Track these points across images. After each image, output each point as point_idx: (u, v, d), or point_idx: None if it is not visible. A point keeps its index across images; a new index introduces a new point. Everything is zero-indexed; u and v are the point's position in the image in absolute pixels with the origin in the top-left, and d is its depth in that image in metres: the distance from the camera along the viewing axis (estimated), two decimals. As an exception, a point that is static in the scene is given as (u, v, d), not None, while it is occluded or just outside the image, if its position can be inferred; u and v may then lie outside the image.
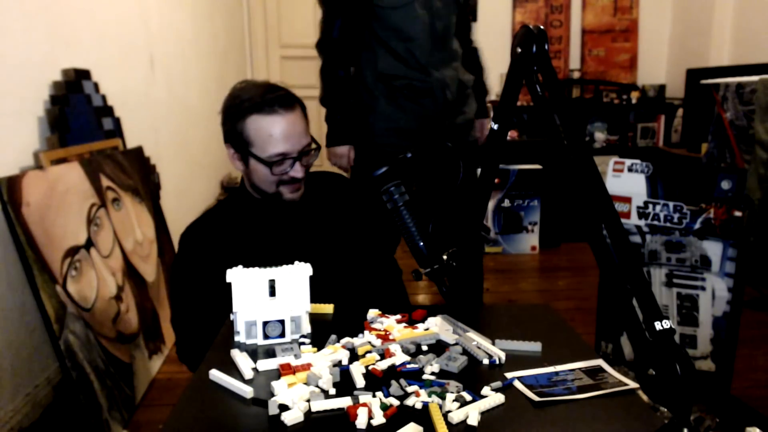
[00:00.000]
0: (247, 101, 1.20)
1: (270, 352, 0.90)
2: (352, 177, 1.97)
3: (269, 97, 1.19)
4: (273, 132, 1.19)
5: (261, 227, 1.30)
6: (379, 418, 0.72)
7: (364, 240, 1.40)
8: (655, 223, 1.83)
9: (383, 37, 1.84)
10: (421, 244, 1.00)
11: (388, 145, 1.89)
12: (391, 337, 0.95)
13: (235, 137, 1.23)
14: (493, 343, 0.92)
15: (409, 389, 0.79)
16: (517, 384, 0.81)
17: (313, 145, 1.26)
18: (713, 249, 1.78)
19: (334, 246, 1.33)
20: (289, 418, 0.72)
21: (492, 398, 0.76)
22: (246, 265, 0.97)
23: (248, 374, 0.83)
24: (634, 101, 4.51)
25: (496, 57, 2.46)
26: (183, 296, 1.28)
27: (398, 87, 1.86)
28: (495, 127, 0.97)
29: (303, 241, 1.31)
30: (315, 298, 1.08)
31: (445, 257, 1.02)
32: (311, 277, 0.99)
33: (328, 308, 1.08)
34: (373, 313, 1.05)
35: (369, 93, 1.89)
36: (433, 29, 1.82)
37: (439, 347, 0.93)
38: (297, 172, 1.23)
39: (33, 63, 1.88)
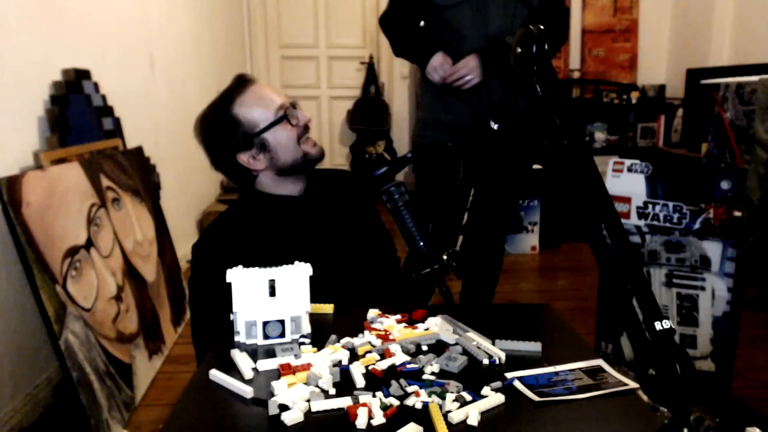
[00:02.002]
0: (221, 99, 1.26)
1: (270, 352, 0.90)
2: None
3: (235, 81, 1.27)
4: (263, 96, 1.24)
5: (273, 230, 1.29)
6: (379, 418, 0.72)
7: (375, 237, 1.40)
8: (655, 223, 1.83)
9: (438, 34, 1.88)
10: (421, 244, 1.00)
11: (424, 137, 1.99)
12: (391, 337, 0.95)
13: (241, 139, 1.23)
14: (493, 343, 0.92)
15: (409, 389, 0.79)
16: (517, 384, 0.81)
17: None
18: (713, 249, 1.78)
19: (346, 244, 1.33)
20: (289, 418, 0.72)
21: (492, 398, 0.76)
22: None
23: (248, 374, 0.83)
24: (634, 101, 4.51)
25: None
26: (201, 311, 1.27)
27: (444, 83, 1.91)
28: (495, 127, 0.97)
29: (316, 240, 1.31)
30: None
31: (445, 257, 1.01)
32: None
33: (328, 308, 1.08)
34: (373, 313, 1.05)
35: (421, 87, 2.04)
36: (485, 30, 1.82)
37: (439, 347, 0.93)
38: (304, 116, 1.28)
39: (33, 63, 1.88)
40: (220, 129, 1.25)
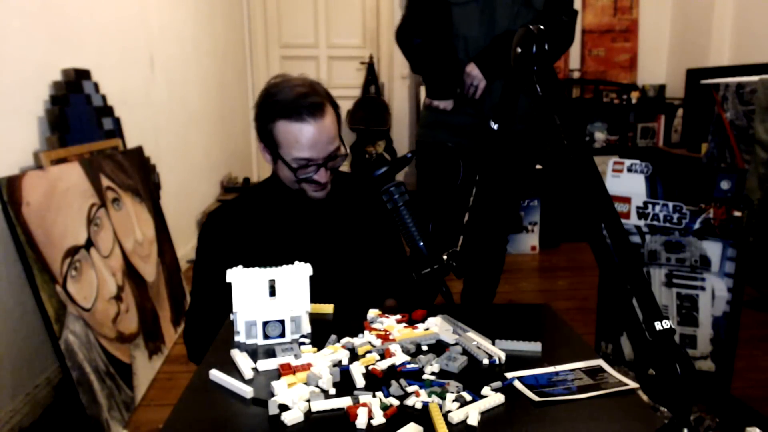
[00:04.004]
0: (278, 104, 1.19)
1: (270, 352, 0.90)
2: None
3: (299, 104, 1.18)
4: (299, 139, 1.19)
5: (287, 218, 1.32)
6: (379, 418, 0.72)
7: (387, 243, 1.40)
8: (655, 223, 1.83)
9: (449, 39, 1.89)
10: (421, 244, 1.00)
11: (428, 136, 1.99)
12: (391, 337, 0.95)
13: (265, 135, 1.24)
14: (493, 343, 0.92)
15: (409, 389, 0.79)
16: (517, 384, 0.81)
17: (342, 150, 1.26)
18: (713, 249, 1.78)
19: (355, 246, 1.34)
20: (289, 418, 0.72)
21: (492, 398, 0.76)
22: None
23: (248, 374, 0.83)
24: (634, 101, 4.51)
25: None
26: (199, 279, 1.31)
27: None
28: (495, 127, 0.97)
29: (326, 237, 1.32)
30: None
31: (445, 257, 1.01)
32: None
33: (328, 308, 1.09)
34: (373, 313, 1.05)
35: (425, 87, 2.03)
36: (492, 31, 1.82)
37: (439, 347, 0.93)
38: (320, 177, 1.23)
39: (33, 63, 1.88)
40: (258, 112, 1.24)
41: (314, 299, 1.05)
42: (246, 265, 0.97)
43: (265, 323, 0.94)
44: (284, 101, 1.19)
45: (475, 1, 1.81)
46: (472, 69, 1.83)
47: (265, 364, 0.85)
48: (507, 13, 1.81)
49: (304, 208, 1.31)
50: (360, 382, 0.81)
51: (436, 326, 0.99)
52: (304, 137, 1.19)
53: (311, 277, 0.99)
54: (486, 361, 0.87)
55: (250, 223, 1.30)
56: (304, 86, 1.20)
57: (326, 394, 0.78)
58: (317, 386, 0.79)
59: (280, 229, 1.30)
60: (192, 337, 1.30)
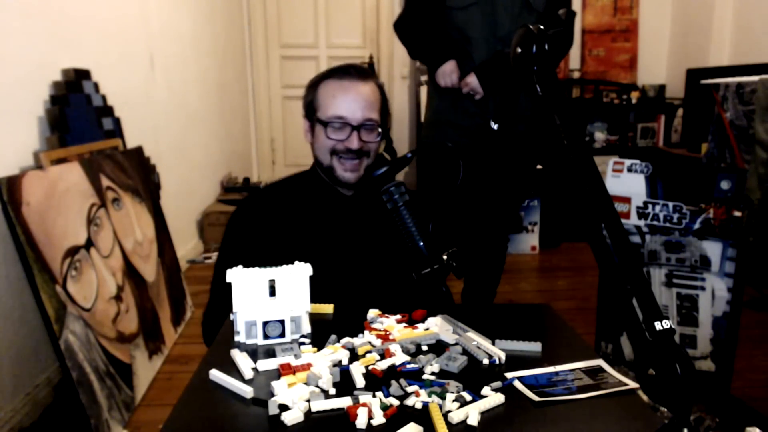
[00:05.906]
0: (329, 70, 1.25)
1: (270, 352, 0.90)
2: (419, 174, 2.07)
3: (347, 65, 1.24)
4: (337, 93, 1.22)
5: (317, 211, 1.30)
6: (379, 418, 0.72)
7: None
8: (655, 223, 1.83)
9: (450, 36, 1.90)
10: (421, 244, 1.00)
11: (432, 137, 1.99)
12: (391, 337, 0.95)
13: (308, 107, 1.27)
14: (493, 343, 0.92)
15: (409, 389, 0.79)
16: (517, 384, 0.81)
17: (379, 129, 1.26)
18: (713, 249, 1.78)
19: (380, 246, 1.32)
20: (289, 418, 0.72)
21: (492, 398, 0.76)
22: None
23: (248, 374, 0.83)
24: (634, 101, 4.51)
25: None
26: (222, 262, 1.30)
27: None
28: (495, 127, 0.97)
29: (353, 234, 1.31)
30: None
31: (445, 257, 1.01)
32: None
33: (328, 308, 1.09)
34: (373, 313, 1.05)
35: (428, 89, 2.05)
36: (493, 32, 1.84)
37: (439, 347, 0.93)
38: (352, 142, 1.22)
39: (33, 63, 1.88)
40: (307, 88, 1.30)
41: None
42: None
43: (265, 323, 0.94)
44: (335, 67, 1.25)
45: (476, 4, 1.82)
46: (472, 79, 1.84)
47: (265, 364, 0.85)
48: (508, 14, 1.82)
49: (336, 202, 1.31)
50: (360, 382, 0.81)
51: (436, 326, 0.99)
52: (343, 90, 1.22)
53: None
54: (486, 361, 0.87)
55: (280, 213, 1.29)
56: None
57: (326, 394, 0.78)
58: (317, 386, 0.79)
59: (309, 222, 1.29)
60: (212, 331, 1.29)
